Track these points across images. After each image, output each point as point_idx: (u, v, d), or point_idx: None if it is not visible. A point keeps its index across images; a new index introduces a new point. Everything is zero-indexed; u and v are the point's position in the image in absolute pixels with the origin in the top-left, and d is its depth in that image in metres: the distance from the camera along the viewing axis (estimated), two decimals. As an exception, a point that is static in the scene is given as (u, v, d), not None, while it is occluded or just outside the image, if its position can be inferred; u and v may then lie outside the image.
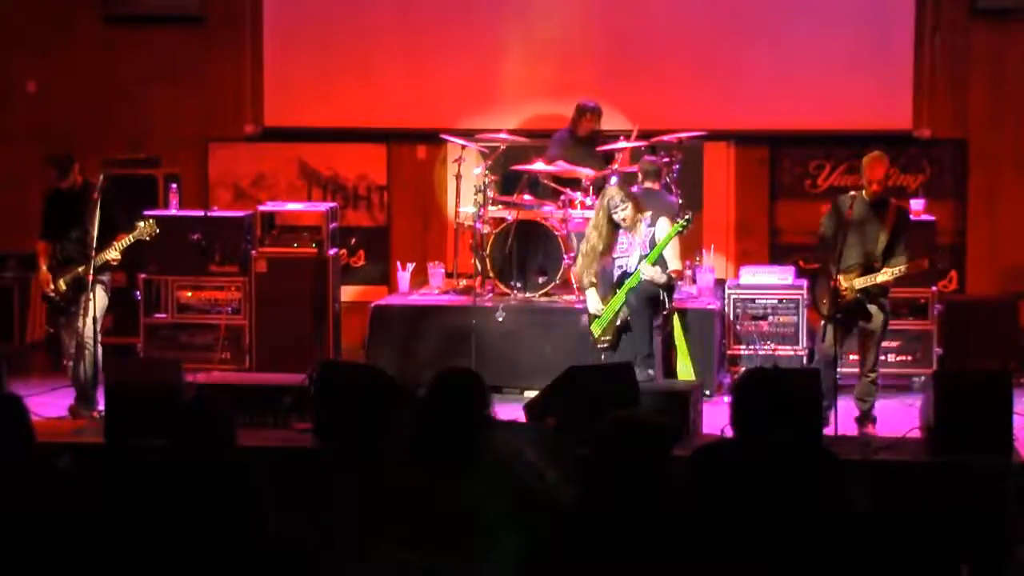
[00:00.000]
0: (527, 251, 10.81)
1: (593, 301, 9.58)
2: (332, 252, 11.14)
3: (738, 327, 10.65)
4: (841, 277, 8.88)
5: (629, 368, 8.50)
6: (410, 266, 11.46)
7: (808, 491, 4.99)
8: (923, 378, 9.90)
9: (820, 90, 12.09)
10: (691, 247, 11.08)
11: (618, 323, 9.49)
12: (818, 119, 12.19)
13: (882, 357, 9.70)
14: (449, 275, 11.34)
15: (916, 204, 10.99)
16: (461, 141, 11.21)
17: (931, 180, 12.15)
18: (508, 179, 11.44)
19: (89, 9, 12.81)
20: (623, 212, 9.47)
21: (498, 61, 12.41)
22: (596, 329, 9.55)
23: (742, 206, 12.39)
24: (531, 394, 8.90)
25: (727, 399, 9.23)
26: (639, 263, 9.42)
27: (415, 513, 4.63)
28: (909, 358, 10.63)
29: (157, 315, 11.15)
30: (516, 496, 4.72)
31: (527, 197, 11.16)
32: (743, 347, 10.63)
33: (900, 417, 9.29)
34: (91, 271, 9.21)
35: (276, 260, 10.99)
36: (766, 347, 10.55)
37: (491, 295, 10.82)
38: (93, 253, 9.21)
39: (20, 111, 12.87)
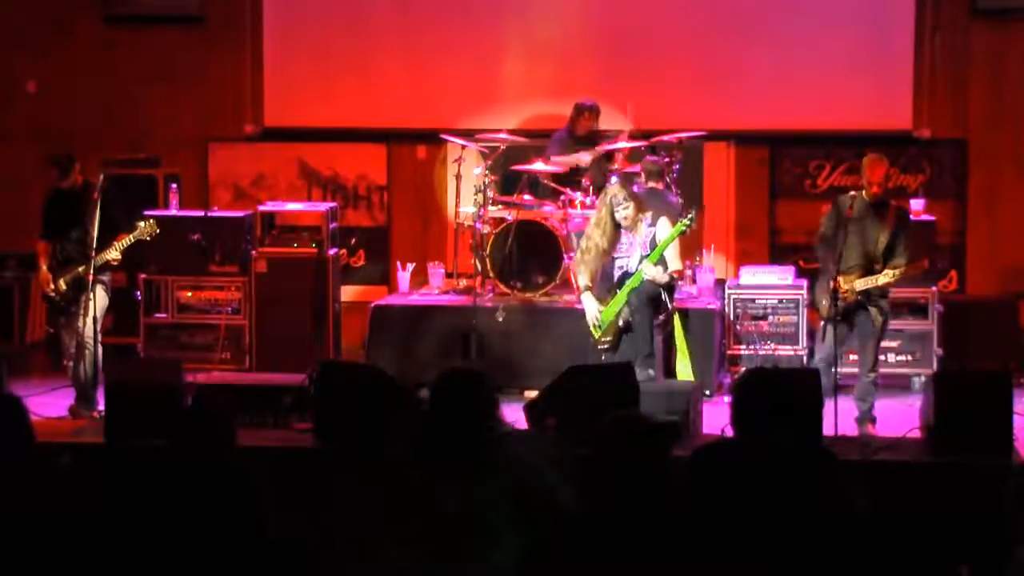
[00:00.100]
0: (527, 251, 10.80)
1: (590, 308, 9.53)
2: (332, 252, 11.15)
3: (738, 327, 10.65)
4: (841, 278, 8.88)
5: (629, 368, 8.49)
6: (410, 266, 11.46)
7: (808, 491, 4.99)
8: (923, 378, 9.91)
9: (820, 90, 12.09)
10: (691, 247, 11.07)
11: (619, 323, 9.47)
12: (818, 119, 12.19)
13: (882, 357, 9.70)
14: (449, 275, 11.34)
15: (916, 204, 11.00)
16: (461, 141, 11.21)
17: (931, 180, 12.15)
18: (508, 179, 11.44)
19: (89, 9, 12.82)
20: (625, 211, 9.45)
21: (498, 61, 12.41)
22: (596, 332, 9.53)
23: (742, 206, 12.39)
24: (531, 394, 8.89)
25: (727, 399, 9.25)
26: (639, 263, 9.41)
27: (415, 513, 4.63)
28: (909, 358, 10.63)
29: (157, 315, 11.15)
30: (517, 497, 4.72)
31: (527, 197, 11.16)
32: (743, 347, 10.63)
33: (900, 417, 9.29)
34: (91, 271, 9.21)
35: (276, 260, 11.00)
36: (766, 347, 10.55)
37: (491, 295, 10.82)
38: (93, 253, 9.21)
39: (20, 111, 12.87)
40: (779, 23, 12.15)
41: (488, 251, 10.75)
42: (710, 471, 5.12)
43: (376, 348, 10.60)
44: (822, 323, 9.17)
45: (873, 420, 9.12)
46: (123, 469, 7.08)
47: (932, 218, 11.01)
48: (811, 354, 10.05)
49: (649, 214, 9.56)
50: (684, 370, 9.84)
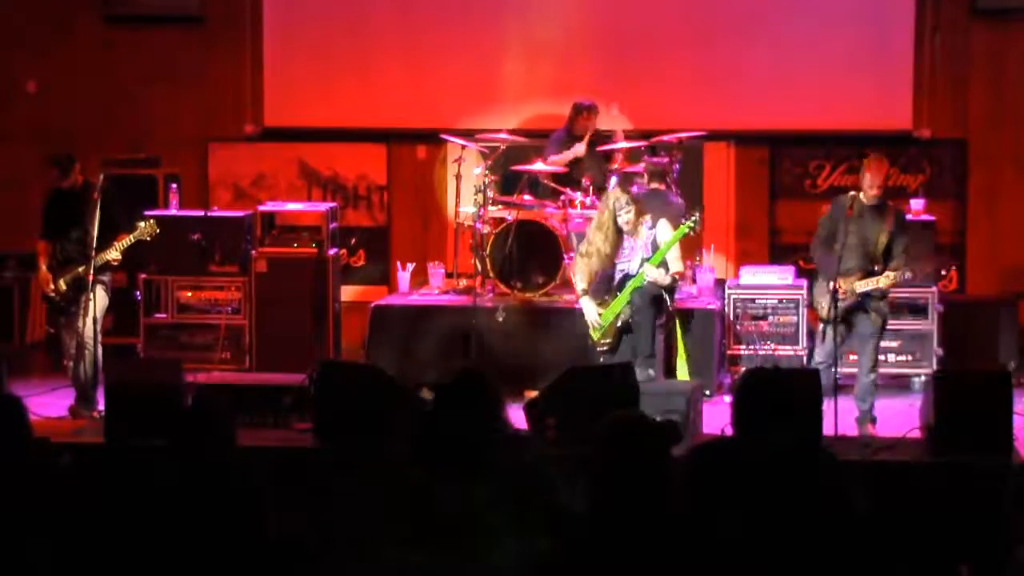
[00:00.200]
0: (527, 251, 10.80)
1: (590, 311, 9.53)
2: (332, 252, 11.15)
3: (738, 327, 10.65)
4: (841, 280, 8.88)
5: (629, 368, 8.49)
6: (410, 266, 11.46)
7: (808, 491, 4.99)
8: (923, 378, 9.90)
9: (820, 90, 12.09)
10: (691, 247, 11.07)
11: (619, 324, 9.47)
12: (818, 119, 12.19)
13: (882, 357, 9.71)
14: (449, 275, 11.34)
15: (916, 204, 11.01)
16: (461, 141, 11.21)
17: (931, 180, 12.15)
18: (508, 179, 11.44)
19: (89, 9, 12.81)
20: (627, 215, 9.44)
21: (498, 61, 12.41)
22: (596, 334, 9.52)
23: (742, 206, 12.39)
24: (531, 394, 8.89)
25: (727, 399, 9.25)
26: (641, 265, 9.40)
27: (415, 513, 4.64)
28: (909, 358, 10.63)
29: (157, 315, 11.15)
30: (517, 497, 4.72)
31: (527, 197, 11.16)
32: (743, 347, 10.63)
33: (900, 417, 9.29)
34: (91, 271, 9.21)
35: (276, 260, 11.00)
36: (766, 347, 10.55)
37: (491, 295, 10.82)
38: (93, 253, 9.21)
39: (20, 111, 12.87)
40: (779, 23, 12.15)
41: (488, 251, 10.75)
42: (709, 471, 5.11)
43: (376, 348, 10.60)
44: (821, 324, 9.18)
45: (873, 420, 9.12)
46: (123, 469, 7.08)
47: (932, 218, 11.01)
48: (811, 354, 10.05)
49: (649, 217, 9.56)
50: (683, 371, 9.84)
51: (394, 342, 10.62)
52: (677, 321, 9.92)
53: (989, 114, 12.16)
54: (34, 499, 5.37)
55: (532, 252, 10.80)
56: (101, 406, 8.84)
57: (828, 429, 8.07)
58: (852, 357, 9.62)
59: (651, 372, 9.30)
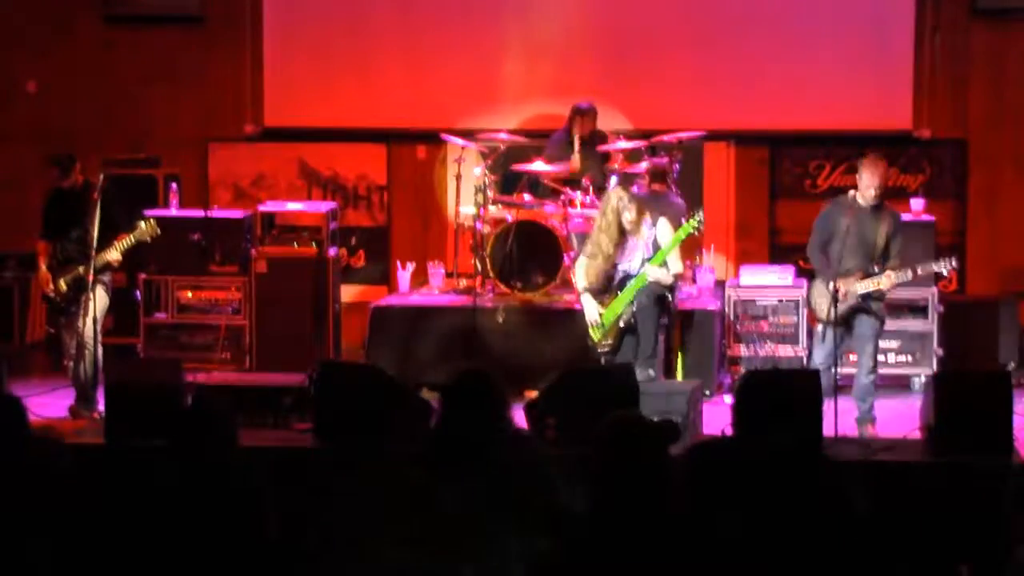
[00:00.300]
0: (527, 251, 10.80)
1: (590, 308, 9.52)
2: (332, 252, 11.15)
3: (738, 327, 10.65)
4: (841, 281, 8.88)
5: (629, 369, 8.50)
6: (410, 266, 11.46)
7: (808, 491, 4.99)
8: (923, 378, 9.90)
9: (820, 90, 12.09)
10: (691, 247, 11.07)
11: (621, 325, 9.44)
12: (818, 119, 12.19)
13: (882, 357, 9.70)
14: (449, 275, 11.34)
15: (916, 204, 11.00)
16: (461, 141, 11.21)
17: (931, 180, 12.15)
18: (508, 179, 11.44)
19: (89, 9, 12.81)
20: (630, 213, 9.43)
21: (498, 61, 12.41)
22: (596, 334, 9.48)
23: (742, 206, 12.39)
24: (531, 394, 8.89)
25: (727, 399, 9.25)
26: (642, 265, 9.39)
27: (415, 513, 4.64)
28: (909, 358, 10.63)
29: (157, 315, 11.15)
30: (517, 498, 4.72)
31: (527, 197, 11.15)
32: (743, 347, 10.63)
33: (900, 417, 9.29)
34: (91, 271, 9.21)
35: (276, 260, 10.99)
36: (766, 347, 10.55)
37: (491, 295, 10.82)
38: (93, 253, 9.21)
39: (20, 111, 12.87)
40: (779, 23, 12.14)
41: (488, 251, 10.75)
42: (709, 471, 5.11)
43: (376, 348, 10.60)
44: (819, 325, 9.17)
45: (873, 420, 9.12)
46: (123, 469, 7.07)
47: (932, 218, 11.01)
48: (811, 355, 10.04)
49: (649, 216, 9.55)
50: (680, 372, 9.81)
51: (394, 342, 10.61)
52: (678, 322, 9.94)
53: (989, 114, 12.16)
54: (34, 499, 5.37)
55: (532, 252, 10.80)
56: (101, 406, 8.84)
57: (828, 429, 8.07)
58: (852, 357, 9.61)
59: (651, 372, 9.30)
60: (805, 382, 7.94)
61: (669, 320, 9.73)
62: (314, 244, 11.05)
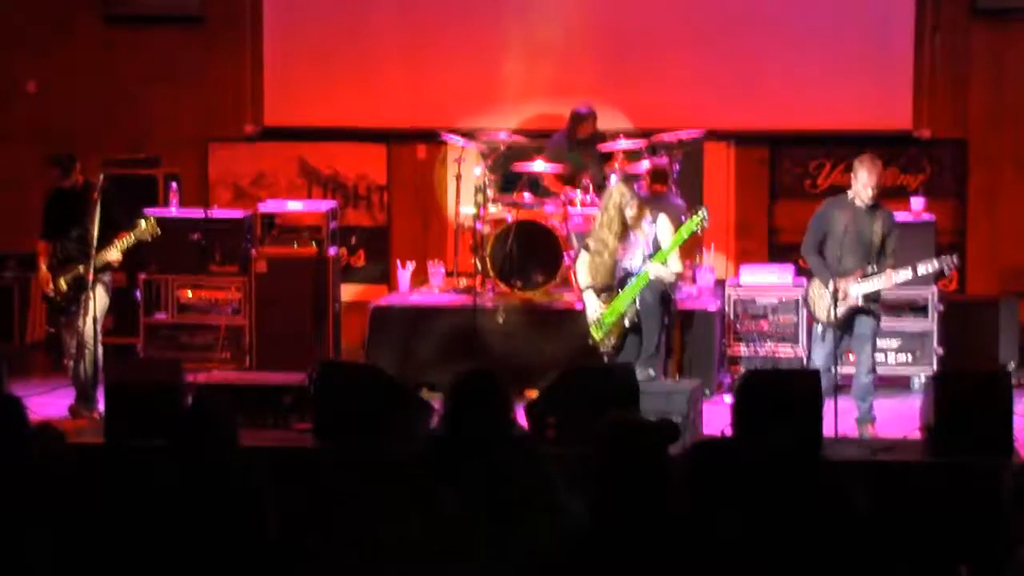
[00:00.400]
0: (527, 250, 10.80)
1: (592, 305, 9.51)
2: (332, 252, 11.14)
3: (738, 327, 10.65)
4: (840, 281, 8.88)
5: (629, 368, 8.50)
6: (410, 265, 11.46)
7: (808, 491, 4.99)
8: (923, 378, 9.90)
9: (820, 90, 12.09)
10: (691, 247, 11.07)
11: (625, 324, 9.41)
12: (818, 119, 12.19)
13: (881, 357, 9.70)
14: (449, 274, 11.34)
15: (916, 203, 11.00)
16: (461, 141, 11.21)
17: (931, 180, 12.15)
18: (508, 179, 11.44)
19: (89, 9, 12.81)
20: (632, 209, 9.42)
21: (498, 61, 12.41)
22: (597, 333, 9.46)
23: (742, 206, 12.39)
24: (531, 394, 8.89)
25: (727, 399, 9.25)
26: (644, 263, 9.38)
27: (415, 513, 4.64)
28: (909, 358, 10.63)
29: (157, 315, 11.15)
30: (517, 497, 4.72)
31: (527, 197, 11.15)
32: (743, 346, 10.63)
33: (900, 417, 9.30)
34: (91, 271, 9.21)
35: (276, 260, 10.99)
36: (766, 347, 10.55)
37: (491, 295, 10.82)
38: (93, 252, 9.21)
39: (20, 111, 12.87)
40: (779, 23, 12.14)
41: (488, 251, 10.75)
42: (709, 470, 5.11)
43: (376, 348, 10.60)
44: (819, 326, 9.17)
45: (873, 420, 9.12)
46: (123, 469, 7.08)
47: (932, 218, 11.00)
48: (810, 355, 10.04)
49: (649, 212, 9.55)
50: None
51: (394, 342, 10.61)
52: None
53: (989, 114, 12.16)
54: (34, 499, 5.37)
55: (532, 251, 10.81)
56: (101, 406, 8.84)
57: (828, 429, 8.07)
58: (852, 357, 9.60)
59: (651, 372, 9.29)
60: (805, 382, 7.94)
61: (670, 320, 9.73)
62: (314, 244, 11.05)
